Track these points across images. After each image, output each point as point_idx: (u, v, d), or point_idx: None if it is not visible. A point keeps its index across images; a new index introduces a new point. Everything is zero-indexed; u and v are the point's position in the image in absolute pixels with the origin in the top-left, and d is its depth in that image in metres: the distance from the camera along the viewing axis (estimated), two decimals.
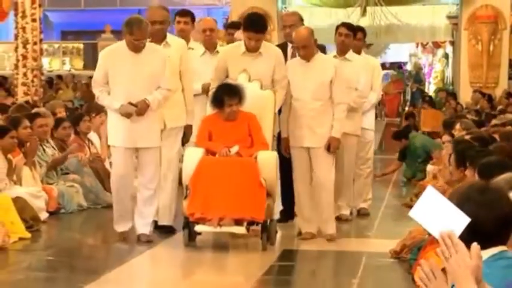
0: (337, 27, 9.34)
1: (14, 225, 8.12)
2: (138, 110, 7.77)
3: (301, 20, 9.04)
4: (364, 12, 21.51)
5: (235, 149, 7.68)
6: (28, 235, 8.24)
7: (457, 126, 11.05)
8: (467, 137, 8.61)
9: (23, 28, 20.05)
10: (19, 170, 9.14)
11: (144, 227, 7.98)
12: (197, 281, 6.98)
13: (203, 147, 7.77)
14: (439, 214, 3.01)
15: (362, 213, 9.51)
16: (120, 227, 8.04)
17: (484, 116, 14.98)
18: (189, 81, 8.39)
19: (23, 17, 20.06)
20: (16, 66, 20.40)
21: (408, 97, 27.46)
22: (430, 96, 24.12)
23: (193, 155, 7.70)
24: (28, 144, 9.40)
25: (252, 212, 7.37)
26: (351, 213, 9.32)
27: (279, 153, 8.24)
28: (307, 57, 8.06)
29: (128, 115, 7.77)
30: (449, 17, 23.71)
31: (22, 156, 9.23)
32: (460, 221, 2.99)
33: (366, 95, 9.28)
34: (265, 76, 8.08)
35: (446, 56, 28.20)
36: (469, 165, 6.22)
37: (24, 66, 20.06)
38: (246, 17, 8.52)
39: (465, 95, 21.21)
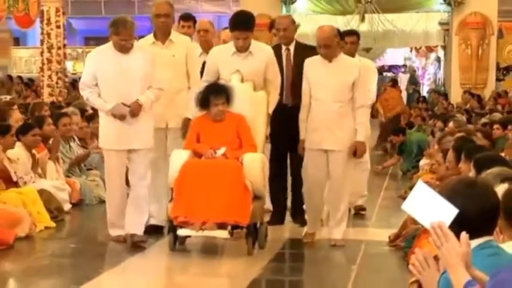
0: (343, 36, 8.86)
1: (40, 215, 8.16)
2: (132, 110, 7.17)
3: (294, 22, 8.45)
4: (362, 19, 21.49)
5: (221, 150, 7.01)
6: (53, 224, 8.27)
7: (450, 124, 11.03)
8: (458, 134, 8.59)
9: (48, 34, 20.11)
10: (44, 164, 9.16)
11: (135, 227, 7.32)
12: (206, 271, 6.76)
13: (190, 149, 7.10)
14: (429, 206, 3.02)
15: (358, 209, 9.15)
16: (114, 232, 7.44)
17: (474, 115, 14.96)
18: (196, 79, 7.73)
19: (48, 24, 20.12)
20: (42, 69, 20.47)
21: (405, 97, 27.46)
22: (424, 97, 24.13)
23: (179, 157, 7.00)
24: (51, 140, 9.43)
25: (235, 215, 6.70)
26: (349, 209, 8.80)
27: (282, 155, 7.91)
28: (329, 57, 7.29)
29: (121, 116, 7.17)
30: (441, 24, 23.77)
31: (46, 151, 9.25)
32: (449, 212, 3.00)
33: None
34: (256, 76, 7.43)
35: (438, 59, 28.18)
36: (465, 160, 6.16)
37: (49, 69, 20.12)
38: (231, 16, 7.70)
39: (456, 96, 21.25)
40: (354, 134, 7.30)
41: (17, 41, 29.95)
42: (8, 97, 18.47)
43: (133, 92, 7.21)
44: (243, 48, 7.42)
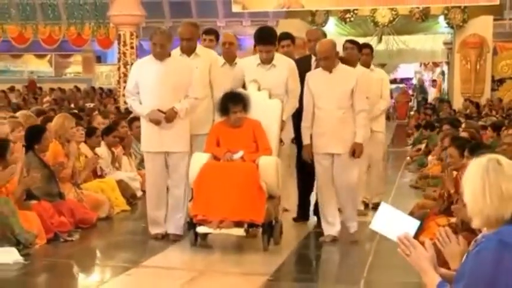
0: (361, 48, 8.42)
1: (117, 200, 8.25)
2: (167, 117, 6.54)
3: (324, 35, 7.79)
4: (380, 40, 21.40)
5: (239, 154, 6.39)
6: (128, 208, 8.35)
7: (463, 125, 10.88)
8: (463, 134, 8.46)
9: (124, 53, 20.29)
10: (120, 159, 9.25)
11: (172, 227, 6.75)
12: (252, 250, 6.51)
13: (210, 153, 6.46)
14: (393, 222, 2.96)
15: (375, 207, 8.17)
16: (154, 230, 6.80)
17: (473, 119, 14.82)
18: (218, 88, 7.01)
19: (124, 45, 20.29)
20: (119, 82, 20.66)
21: (415, 104, 27.32)
22: (431, 103, 23.99)
23: (199, 159, 6.36)
24: (125, 139, 9.51)
25: (251, 214, 6.06)
26: (367, 205, 8.45)
27: (298, 158, 7.21)
28: (329, 68, 6.61)
29: (156, 122, 6.56)
30: (445, 43, 23.69)
31: (121, 148, 9.34)
32: (411, 224, 2.96)
33: (375, 102, 8.23)
34: (277, 86, 6.76)
35: (442, 73, 28.00)
36: (468, 155, 6.04)
37: (125, 81, 20.23)
38: (256, 31, 7.00)
39: (457, 103, 21.14)
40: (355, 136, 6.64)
41: (99, 59, 30.19)
42: (92, 104, 18.70)
43: (169, 99, 6.58)
44: (266, 60, 6.82)
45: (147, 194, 6.95)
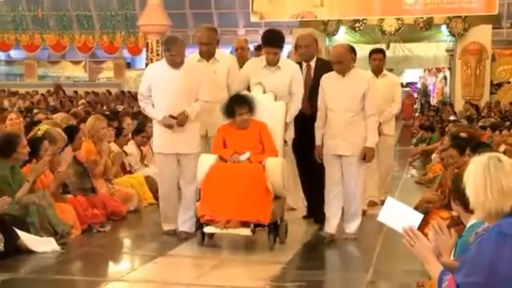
0: (371, 53, 8.14)
1: (145, 195, 8.25)
2: (178, 121, 6.25)
3: (315, 40, 7.24)
4: (387, 47, 21.33)
5: (246, 155, 6.02)
6: (155, 202, 8.30)
7: (453, 128, 10.84)
8: (462, 134, 8.38)
9: (151, 59, 20.40)
10: (147, 157, 9.24)
11: (183, 225, 6.45)
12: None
13: (217, 154, 6.10)
14: (399, 215, 2.97)
15: (381, 204, 8.31)
16: (166, 226, 6.58)
17: (472, 121, 14.77)
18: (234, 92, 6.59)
19: (151, 52, 20.42)
20: None
21: (419, 106, 27.28)
22: (434, 105, 23.93)
23: (206, 160, 6.01)
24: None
25: (257, 214, 5.72)
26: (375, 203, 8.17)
27: (305, 158, 6.84)
28: (342, 72, 6.25)
29: (169, 126, 6.27)
30: (447, 50, 23.65)
31: (149, 147, 9.34)
32: (415, 217, 2.96)
33: (384, 106, 7.81)
34: (281, 88, 6.44)
35: (445, 77, 27.92)
36: (470, 153, 5.96)
37: None
38: (263, 34, 6.63)
39: (459, 105, 21.08)
40: (365, 140, 6.29)
41: (129, 65, 30.35)
42: (122, 107, 18.76)
43: (181, 104, 6.27)
44: (272, 62, 6.51)
45: (160, 194, 6.67)
